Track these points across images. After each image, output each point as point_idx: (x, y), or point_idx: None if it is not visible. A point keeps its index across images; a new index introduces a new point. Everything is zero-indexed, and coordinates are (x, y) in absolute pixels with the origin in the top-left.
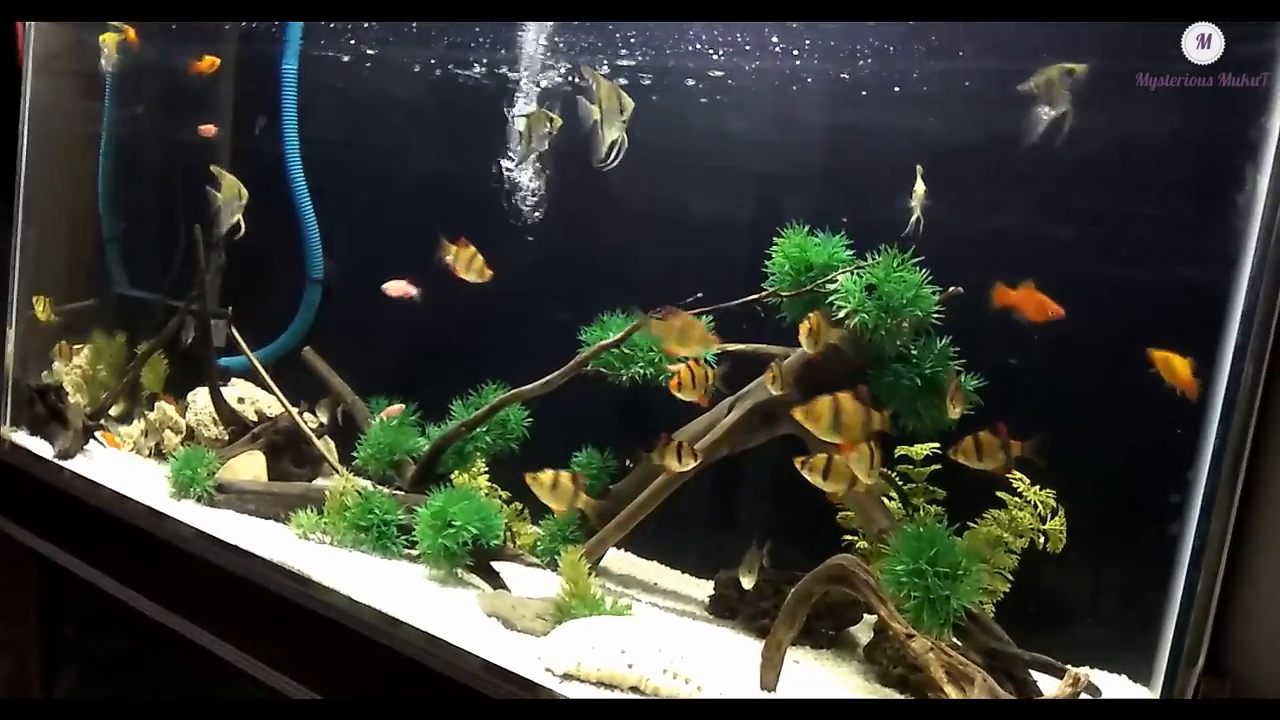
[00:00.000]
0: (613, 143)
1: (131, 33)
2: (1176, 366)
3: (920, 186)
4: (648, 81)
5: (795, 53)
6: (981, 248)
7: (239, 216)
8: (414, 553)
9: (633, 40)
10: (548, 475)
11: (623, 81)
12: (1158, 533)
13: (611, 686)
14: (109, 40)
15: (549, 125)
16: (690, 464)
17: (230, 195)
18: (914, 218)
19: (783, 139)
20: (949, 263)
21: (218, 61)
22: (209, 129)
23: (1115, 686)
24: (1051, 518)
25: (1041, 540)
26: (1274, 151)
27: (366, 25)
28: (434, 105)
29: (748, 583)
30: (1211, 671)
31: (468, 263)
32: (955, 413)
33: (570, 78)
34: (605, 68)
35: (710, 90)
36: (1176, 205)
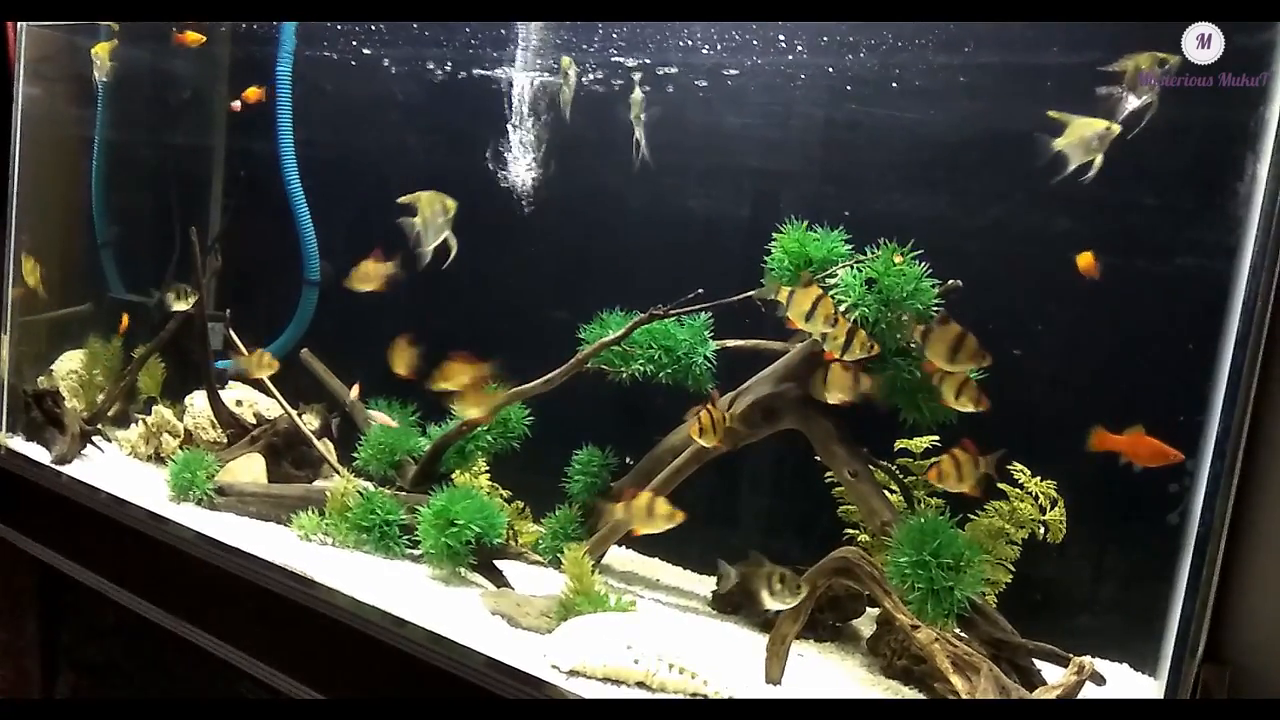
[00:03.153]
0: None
1: (192, 36)
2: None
3: None
4: (643, 78)
5: (799, 48)
6: (981, 240)
7: (448, 233)
8: (417, 552)
9: (614, 35)
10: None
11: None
12: (1159, 523)
13: (618, 682)
14: (101, 51)
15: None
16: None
17: (433, 212)
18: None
19: (781, 134)
20: (948, 255)
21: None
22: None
23: (1117, 675)
24: (1051, 508)
25: (1042, 531)
26: (1273, 142)
27: (362, 26)
28: (430, 105)
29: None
30: (1211, 661)
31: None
32: (966, 367)
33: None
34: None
35: (707, 86)
36: (1177, 196)
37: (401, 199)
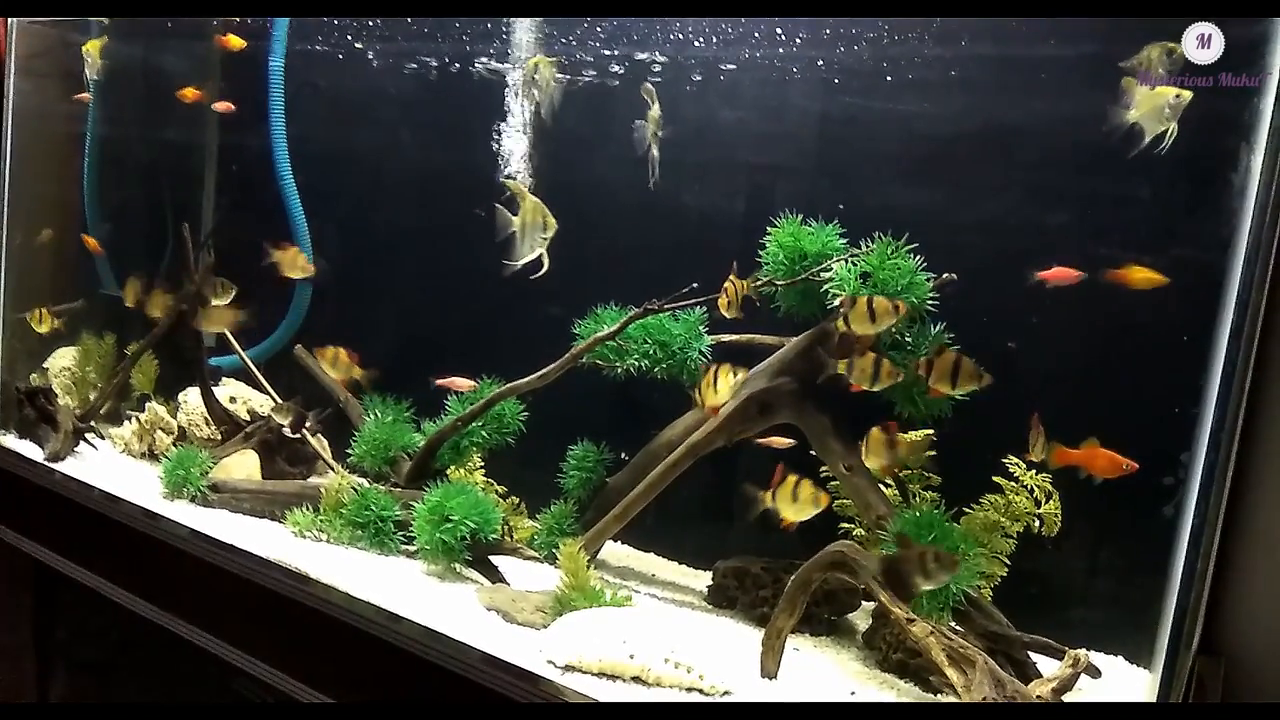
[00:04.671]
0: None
1: (233, 39)
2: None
3: None
4: (635, 71)
5: (793, 41)
6: (977, 234)
7: (543, 251)
8: (411, 548)
9: (600, 31)
10: None
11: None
12: (1154, 515)
13: (613, 677)
14: (93, 48)
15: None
16: None
17: (533, 223)
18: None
19: (776, 128)
20: (944, 249)
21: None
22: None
23: (1112, 668)
24: (1047, 501)
25: (1037, 524)
26: (1267, 133)
27: (354, 19)
28: (422, 100)
29: None
30: (1206, 653)
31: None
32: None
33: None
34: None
35: (700, 80)
36: (1172, 187)
37: (507, 181)
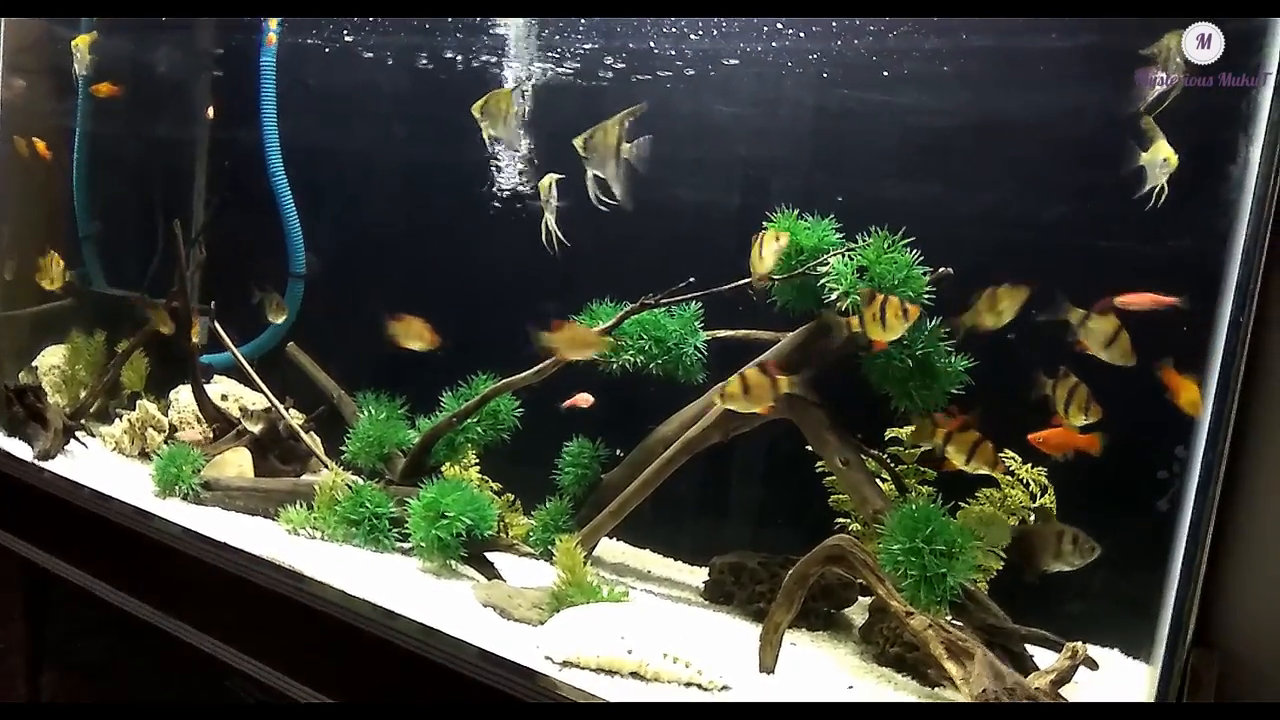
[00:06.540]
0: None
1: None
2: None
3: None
4: (631, 66)
5: (789, 34)
6: (974, 227)
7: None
8: (407, 546)
9: (586, 29)
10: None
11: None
12: (1151, 509)
13: (611, 673)
14: (81, 44)
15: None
16: None
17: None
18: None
19: (771, 122)
20: (940, 243)
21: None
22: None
23: (1109, 660)
24: (1042, 495)
25: (1033, 518)
26: (1265, 126)
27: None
28: (415, 96)
29: None
30: (1201, 645)
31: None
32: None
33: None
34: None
35: (695, 74)
36: (1171, 179)
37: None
